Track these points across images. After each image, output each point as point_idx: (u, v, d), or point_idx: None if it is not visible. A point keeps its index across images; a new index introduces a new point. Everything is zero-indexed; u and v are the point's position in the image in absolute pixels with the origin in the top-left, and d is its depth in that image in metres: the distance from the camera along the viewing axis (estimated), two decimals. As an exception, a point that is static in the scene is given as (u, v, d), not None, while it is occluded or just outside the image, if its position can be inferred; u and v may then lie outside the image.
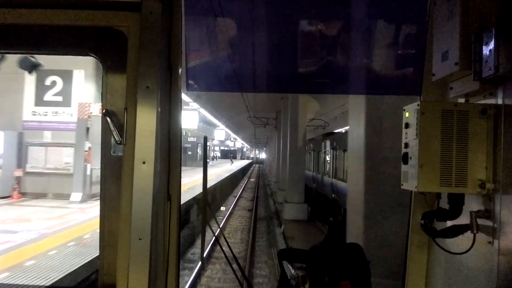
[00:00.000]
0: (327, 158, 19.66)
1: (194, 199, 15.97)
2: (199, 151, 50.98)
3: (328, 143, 19.70)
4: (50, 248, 8.54)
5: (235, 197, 30.28)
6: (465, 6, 1.89)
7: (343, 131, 22.81)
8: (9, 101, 16.48)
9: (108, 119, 1.89)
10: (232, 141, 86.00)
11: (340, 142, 16.60)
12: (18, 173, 16.36)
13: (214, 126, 47.37)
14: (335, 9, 2.90)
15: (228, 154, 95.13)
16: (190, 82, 2.91)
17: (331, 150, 18.40)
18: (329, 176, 18.62)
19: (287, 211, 17.95)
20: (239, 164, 70.21)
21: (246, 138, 77.69)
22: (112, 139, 1.92)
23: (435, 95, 2.20)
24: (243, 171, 58.49)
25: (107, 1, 1.93)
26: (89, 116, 15.87)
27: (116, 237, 1.89)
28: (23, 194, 16.24)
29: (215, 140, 62.20)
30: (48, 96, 16.58)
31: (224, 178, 30.11)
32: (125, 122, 1.86)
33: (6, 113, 16.56)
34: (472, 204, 1.93)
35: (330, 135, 21.16)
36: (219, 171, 38.80)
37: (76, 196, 15.73)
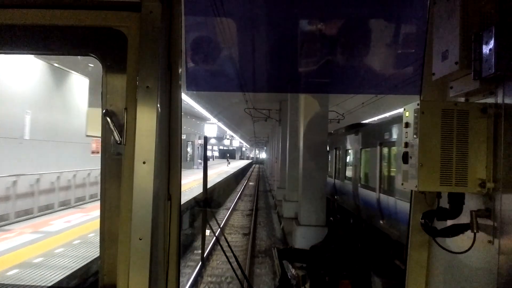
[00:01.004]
0: (366, 158, 12.64)
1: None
2: (189, 150, 46.80)
3: (367, 136, 12.65)
4: None
5: (228, 209, 22.91)
6: (465, 6, 1.89)
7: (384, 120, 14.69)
8: None
9: (108, 119, 1.89)
10: (228, 139, 73.23)
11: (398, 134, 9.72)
12: None
13: (203, 119, 38.88)
14: (335, 9, 2.90)
15: (226, 154, 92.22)
16: (190, 81, 2.92)
17: (378, 147, 10.92)
18: (372, 188, 11.42)
19: (301, 237, 11.94)
20: (236, 165, 63.20)
21: (244, 136, 72.94)
22: (112, 139, 1.92)
23: (435, 94, 2.20)
24: (241, 173, 51.06)
25: (106, 1, 1.93)
26: None
27: (116, 237, 1.89)
28: None
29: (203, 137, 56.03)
30: None
31: (215, 185, 24.62)
32: (125, 122, 1.87)
33: None
34: (472, 203, 1.93)
35: (365, 125, 14.36)
36: (211, 174, 32.38)
37: None
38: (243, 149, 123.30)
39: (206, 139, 3.25)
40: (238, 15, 2.96)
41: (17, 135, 12.33)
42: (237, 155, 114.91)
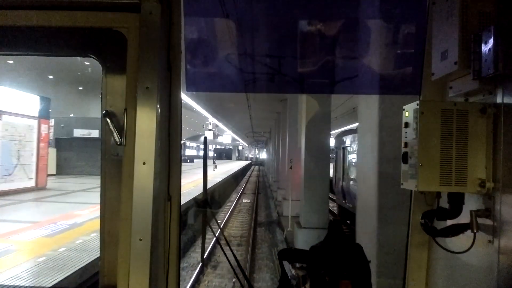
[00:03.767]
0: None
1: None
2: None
3: None
4: None
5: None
6: (464, 6, 1.89)
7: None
8: None
9: (108, 120, 1.90)
10: (211, 130, 50.53)
11: None
12: None
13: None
14: (335, 9, 2.90)
15: (216, 154, 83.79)
16: (190, 82, 2.91)
17: None
18: None
19: None
20: (229, 168, 47.30)
21: (238, 133, 61.59)
22: (112, 140, 1.92)
23: (435, 94, 2.21)
24: (233, 180, 35.61)
25: (106, 2, 1.93)
26: None
27: (117, 237, 1.90)
28: None
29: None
30: None
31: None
32: (125, 123, 1.87)
33: None
34: (472, 203, 1.93)
35: None
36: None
37: None
38: (241, 147, 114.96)
39: (206, 139, 3.25)
40: (238, 15, 2.96)
41: None
42: (234, 155, 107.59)
